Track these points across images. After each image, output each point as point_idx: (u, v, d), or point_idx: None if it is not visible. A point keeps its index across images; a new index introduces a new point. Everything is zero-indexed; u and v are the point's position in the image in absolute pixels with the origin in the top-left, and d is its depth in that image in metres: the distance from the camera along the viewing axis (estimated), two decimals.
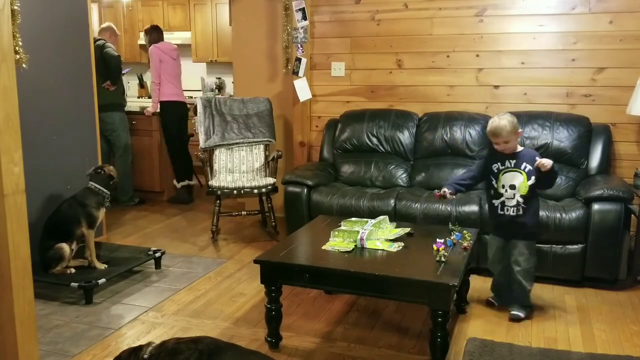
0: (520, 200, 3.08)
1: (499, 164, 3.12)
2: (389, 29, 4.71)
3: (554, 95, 4.32)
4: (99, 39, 5.35)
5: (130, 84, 7.99)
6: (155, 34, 5.75)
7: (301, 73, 4.75)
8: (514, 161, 3.09)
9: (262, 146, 4.87)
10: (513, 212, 3.10)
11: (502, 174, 3.11)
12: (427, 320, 2.73)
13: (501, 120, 3.04)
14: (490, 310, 3.31)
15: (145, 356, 1.93)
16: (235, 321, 3.19)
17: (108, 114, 5.36)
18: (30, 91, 3.77)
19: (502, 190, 3.11)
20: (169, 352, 1.97)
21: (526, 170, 3.06)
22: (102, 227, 4.57)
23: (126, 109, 5.79)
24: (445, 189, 3.16)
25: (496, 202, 3.15)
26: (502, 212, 3.14)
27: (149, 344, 2.00)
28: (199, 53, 7.56)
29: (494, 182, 3.14)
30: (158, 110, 5.73)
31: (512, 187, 3.08)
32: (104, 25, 5.67)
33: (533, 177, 3.05)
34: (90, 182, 3.76)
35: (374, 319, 3.22)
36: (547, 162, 2.95)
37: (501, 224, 3.19)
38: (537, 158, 3.03)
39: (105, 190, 3.77)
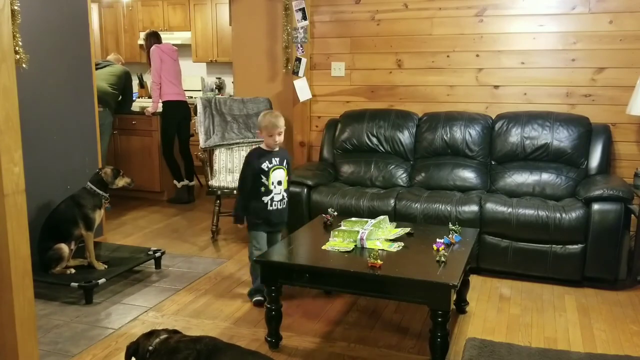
0: (284, 194, 3.37)
1: (267, 162, 3.29)
2: (389, 29, 4.71)
3: (554, 95, 4.32)
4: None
5: None
6: (153, 39, 5.80)
7: (301, 73, 4.75)
8: (277, 159, 3.32)
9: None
10: (280, 205, 3.36)
11: (272, 171, 3.31)
12: (427, 320, 2.73)
13: (279, 115, 3.30)
14: (491, 310, 3.32)
15: (150, 347, 2.01)
16: (235, 321, 3.19)
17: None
18: (30, 91, 3.77)
19: (272, 187, 3.32)
20: (168, 351, 2.00)
21: (286, 166, 3.37)
22: (102, 227, 4.57)
23: None
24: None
25: (266, 198, 3.31)
26: (271, 208, 3.32)
27: (158, 334, 2.08)
28: (199, 53, 7.56)
29: (264, 180, 3.29)
30: (158, 110, 5.74)
31: (280, 182, 3.34)
32: (117, 57, 6.04)
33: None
34: (88, 183, 3.75)
35: (374, 319, 3.22)
36: None
37: (269, 218, 3.34)
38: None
39: (99, 191, 3.73)
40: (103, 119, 5.24)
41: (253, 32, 5.17)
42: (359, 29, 4.79)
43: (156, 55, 5.62)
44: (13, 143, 2.22)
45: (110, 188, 3.81)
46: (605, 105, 4.20)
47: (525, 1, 4.29)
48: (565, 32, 4.23)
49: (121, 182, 3.87)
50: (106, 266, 3.70)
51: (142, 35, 6.07)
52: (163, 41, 5.84)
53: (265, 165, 3.27)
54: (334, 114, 4.88)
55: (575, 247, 3.58)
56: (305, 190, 4.14)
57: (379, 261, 2.64)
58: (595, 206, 3.52)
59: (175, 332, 2.14)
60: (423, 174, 4.33)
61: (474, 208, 3.76)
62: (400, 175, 4.39)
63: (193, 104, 5.10)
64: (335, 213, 3.48)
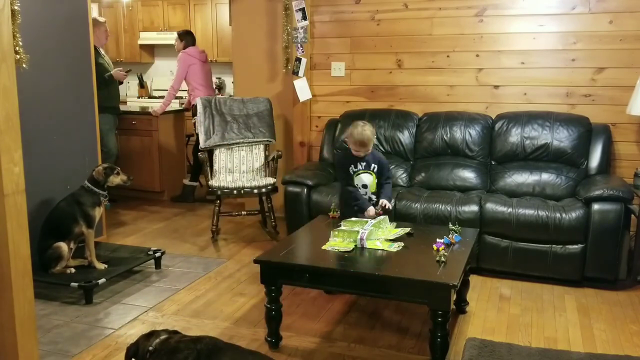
0: (372, 196, 3.42)
1: (352, 166, 3.40)
2: (389, 29, 4.71)
3: (554, 95, 4.32)
4: None
5: (131, 84, 7.99)
6: (189, 39, 5.74)
7: (301, 73, 4.75)
8: (364, 164, 3.41)
9: (262, 146, 4.87)
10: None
11: (357, 175, 3.41)
12: (427, 320, 2.73)
13: (366, 131, 3.31)
14: (491, 310, 3.32)
15: (150, 348, 2.02)
16: (235, 321, 3.19)
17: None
18: (30, 91, 3.77)
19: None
20: (168, 351, 2.01)
21: (375, 170, 3.40)
22: (102, 227, 4.57)
23: (126, 109, 5.77)
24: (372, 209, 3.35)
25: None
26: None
27: (158, 334, 2.08)
28: None
29: (351, 181, 3.43)
30: (165, 111, 5.73)
31: (365, 186, 3.42)
32: (100, 19, 5.47)
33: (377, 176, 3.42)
34: (85, 182, 3.75)
35: (374, 319, 3.22)
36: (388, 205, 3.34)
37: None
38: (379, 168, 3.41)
39: (96, 189, 3.70)
40: (103, 124, 5.25)
41: (253, 32, 5.17)
42: (359, 29, 4.79)
43: (183, 62, 5.59)
44: (13, 143, 2.22)
45: (108, 186, 3.79)
46: (605, 105, 4.20)
47: (525, 1, 4.29)
48: (565, 32, 4.23)
49: (116, 179, 3.79)
50: (106, 266, 3.71)
51: (176, 36, 5.89)
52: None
53: (350, 169, 3.40)
54: (334, 114, 4.88)
55: (575, 247, 3.58)
56: (305, 190, 4.14)
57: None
58: (595, 206, 3.52)
59: (175, 332, 2.14)
60: (423, 174, 4.33)
61: (474, 208, 3.76)
62: (400, 175, 4.39)
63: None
64: (338, 212, 3.48)
